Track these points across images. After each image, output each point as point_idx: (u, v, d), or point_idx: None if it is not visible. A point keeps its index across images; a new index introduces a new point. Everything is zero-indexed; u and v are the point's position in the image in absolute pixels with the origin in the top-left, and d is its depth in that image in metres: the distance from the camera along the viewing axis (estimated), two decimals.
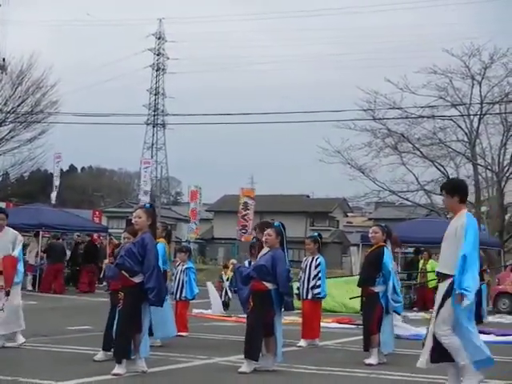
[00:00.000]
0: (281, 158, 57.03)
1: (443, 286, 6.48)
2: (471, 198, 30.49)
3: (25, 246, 22.45)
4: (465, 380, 6.34)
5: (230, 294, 18.01)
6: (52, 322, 12.86)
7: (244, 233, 30.49)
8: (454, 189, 6.80)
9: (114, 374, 7.17)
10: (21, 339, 9.17)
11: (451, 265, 6.36)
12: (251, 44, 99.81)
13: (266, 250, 8.38)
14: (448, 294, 6.38)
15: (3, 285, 9.20)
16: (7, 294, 9.10)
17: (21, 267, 9.78)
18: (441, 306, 6.43)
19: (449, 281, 6.40)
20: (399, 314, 10.61)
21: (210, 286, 16.68)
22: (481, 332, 12.91)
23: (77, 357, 8.73)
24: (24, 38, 65.45)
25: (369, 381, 7.46)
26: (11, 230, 9.69)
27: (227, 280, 18.32)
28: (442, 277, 6.63)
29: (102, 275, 19.75)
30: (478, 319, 10.00)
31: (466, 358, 6.24)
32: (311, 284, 10.97)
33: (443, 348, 6.32)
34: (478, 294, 9.50)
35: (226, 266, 20.83)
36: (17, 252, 9.46)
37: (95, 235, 23.85)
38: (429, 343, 6.49)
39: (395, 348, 9.46)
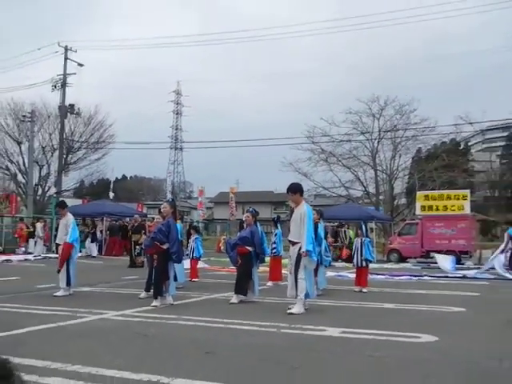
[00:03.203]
0: (256, 167, 66.50)
1: (295, 249, 7.58)
2: (373, 190, 35.11)
3: (94, 226, 24.69)
4: (295, 307, 7.48)
5: None
6: (113, 274, 13.80)
7: (232, 215, 34.93)
8: (296, 189, 7.91)
9: (153, 306, 7.95)
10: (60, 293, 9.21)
11: (298, 236, 7.53)
12: (237, 96, 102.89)
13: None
14: (299, 254, 7.53)
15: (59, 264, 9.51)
16: (58, 271, 9.39)
17: (76, 246, 9.77)
18: (297, 261, 7.50)
19: (298, 245, 7.50)
20: (327, 266, 11.54)
21: None
22: (378, 274, 14.22)
23: (129, 296, 9.42)
24: (90, 94, 75.89)
25: (313, 304, 8.10)
26: (69, 215, 9.88)
27: None
28: (293, 243, 7.70)
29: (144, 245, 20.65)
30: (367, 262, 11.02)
31: (303, 295, 7.48)
32: (273, 246, 12.21)
33: (296, 286, 7.47)
34: (362, 245, 11.15)
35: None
36: (69, 237, 9.52)
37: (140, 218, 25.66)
38: (290, 283, 7.72)
39: (327, 285, 10.58)
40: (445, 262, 16.88)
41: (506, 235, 16.10)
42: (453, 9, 73.64)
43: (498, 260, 15.49)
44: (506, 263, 15.67)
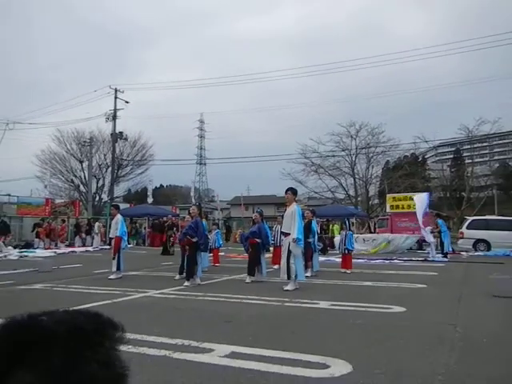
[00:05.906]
0: (262, 176, 67.64)
1: (287, 239, 7.47)
2: (353, 193, 34.94)
3: (136, 224, 25.09)
4: (289, 285, 7.36)
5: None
6: (154, 261, 13.52)
7: (243, 213, 34.15)
8: (294, 192, 7.88)
9: (185, 285, 7.90)
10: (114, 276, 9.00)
11: (289, 228, 7.42)
12: (246, 122, 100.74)
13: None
14: (290, 244, 7.38)
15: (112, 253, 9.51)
16: (113, 258, 9.40)
17: (124, 238, 9.66)
18: (289, 249, 7.40)
19: (289, 237, 7.37)
20: (318, 252, 11.00)
21: None
22: (358, 258, 13.58)
23: (166, 278, 9.29)
24: (134, 124, 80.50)
25: (308, 283, 8.03)
26: (119, 215, 9.75)
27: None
28: (285, 234, 7.61)
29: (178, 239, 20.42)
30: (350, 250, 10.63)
31: (294, 276, 7.36)
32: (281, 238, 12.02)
33: (289, 269, 7.39)
34: (346, 236, 10.83)
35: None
36: (119, 231, 9.42)
37: (173, 218, 24.79)
38: (283, 267, 7.57)
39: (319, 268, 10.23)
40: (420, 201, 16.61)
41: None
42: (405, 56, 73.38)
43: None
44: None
